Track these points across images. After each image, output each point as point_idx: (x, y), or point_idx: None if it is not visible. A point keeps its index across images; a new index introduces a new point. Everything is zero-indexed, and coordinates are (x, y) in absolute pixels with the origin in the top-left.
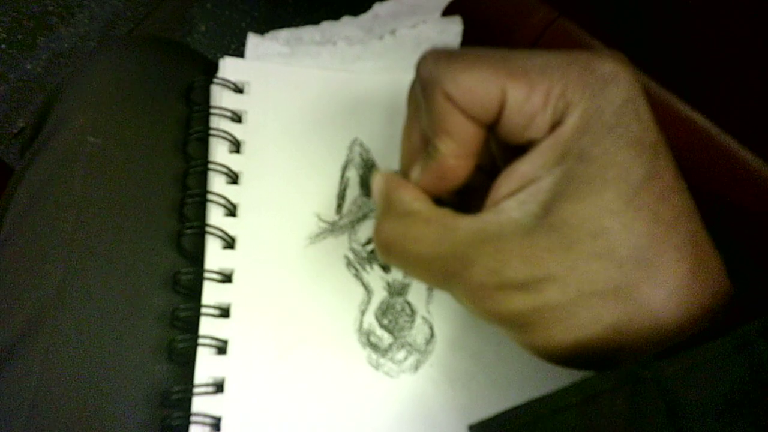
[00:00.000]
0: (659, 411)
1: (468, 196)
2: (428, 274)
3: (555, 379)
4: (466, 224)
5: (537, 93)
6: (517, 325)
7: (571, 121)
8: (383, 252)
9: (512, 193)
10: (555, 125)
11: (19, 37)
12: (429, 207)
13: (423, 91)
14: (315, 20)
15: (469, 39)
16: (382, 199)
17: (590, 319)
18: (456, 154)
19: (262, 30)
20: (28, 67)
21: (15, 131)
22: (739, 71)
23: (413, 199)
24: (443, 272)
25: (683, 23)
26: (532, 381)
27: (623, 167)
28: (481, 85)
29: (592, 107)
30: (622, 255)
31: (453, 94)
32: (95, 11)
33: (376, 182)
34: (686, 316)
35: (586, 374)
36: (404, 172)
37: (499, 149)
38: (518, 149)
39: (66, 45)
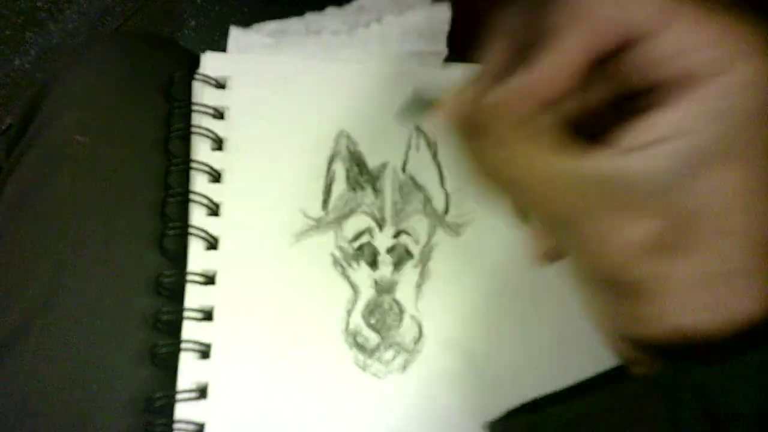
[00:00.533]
0: (697, 420)
1: None
2: (545, 210)
3: (546, 379)
4: (598, 162)
5: (712, 25)
6: (629, 290)
7: (742, 74)
8: (489, 172)
9: (654, 142)
10: (717, 73)
11: (8, 32)
12: (555, 129)
13: None
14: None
15: (457, 28)
16: (498, 111)
17: (709, 304)
18: (580, 49)
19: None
20: (17, 63)
21: (3, 128)
22: None
23: (547, 119)
24: (565, 212)
25: None
26: (523, 380)
27: None
28: None
29: None
30: (758, 239)
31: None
32: (84, 7)
33: (462, 96)
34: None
35: (591, 371)
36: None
37: (608, 92)
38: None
39: (55, 41)
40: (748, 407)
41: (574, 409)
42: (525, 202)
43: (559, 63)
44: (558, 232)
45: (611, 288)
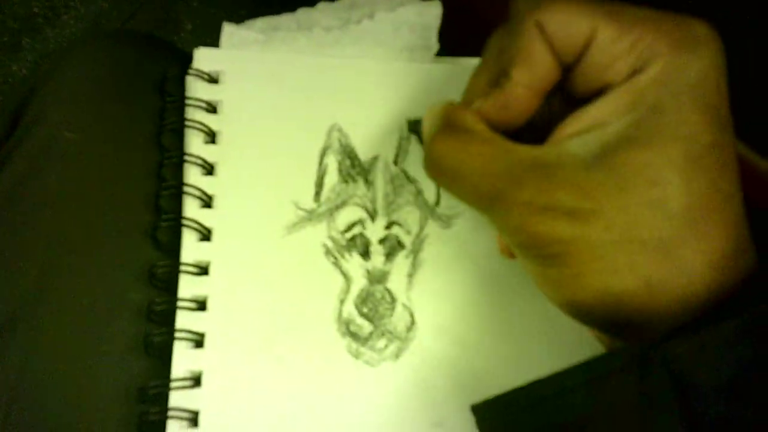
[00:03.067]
0: (668, 392)
1: None
2: (475, 192)
3: (539, 364)
4: (524, 149)
5: (626, 37)
6: (550, 254)
7: (652, 71)
8: (433, 167)
9: (577, 133)
10: (635, 72)
11: (5, 39)
12: (489, 130)
13: (514, 20)
14: None
15: (449, 23)
16: (441, 118)
17: (626, 265)
18: (526, 83)
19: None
20: (14, 68)
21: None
22: (739, 70)
23: (475, 121)
24: (490, 191)
25: None
26: (515, 367)
27: (695, 128)
28: (574, 18)
29: (677, 62)
30: (674, 209)
31: (545, 22)
32: (81, 12)
33: (435, 107)
34: (715, 294)
35: (581, 358)
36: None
37: (562, 107)
38: (583, 105)
39: (52, 46)
40: (714, 378)
41: (549, 384)
42: (465, 192)
43: (515, 93)
44: (490, 215)
45: (538, 259)
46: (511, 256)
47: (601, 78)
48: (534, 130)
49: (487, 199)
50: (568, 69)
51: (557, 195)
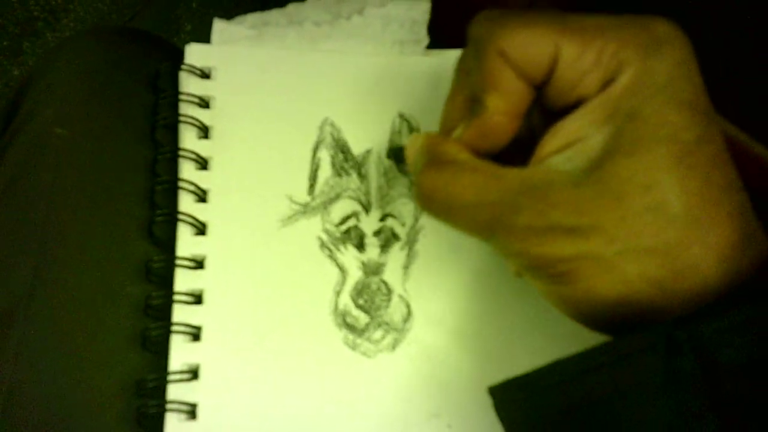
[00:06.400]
0: (695, 372)
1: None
2: (472, 223)
3: (535, 354)
4: (512, 173)
5: (590, 50)
6: (558, 273)
7: (623, 80)
8: (426, 203)
9: (559, 150)
10: (606, 84)
11: (5, 43)
12: (474, 158)
13: (475, 49)
14: None
15: (439, 18)
16: (423, 153)
17: (635, 273)
18: (503, 111)
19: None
20: (15, 73)
21: None
22: (740, 68)
23: (459, 151)
24: (488, 220)
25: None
26: (513, 357)
27: (675, 127)
28: (535, 40)
29: (645, 67)
30: (673, 211)
31: (506, 49)
32: (81, 15)
33: (415, 139)
34: (729, 284)
35: (578, 347)
36: (445, 134)
37: (542, 120)
38: (562, 116)
39: None
40: (740, 358)
41: (573, 364)
42: (462, 224)
43: (493, 121)
44: (492, 243)
45: (548, 279)
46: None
47: (574, 93)
48: (516, 145)
49: (486, 229)
50: (540, 87)
51: (554, 215)
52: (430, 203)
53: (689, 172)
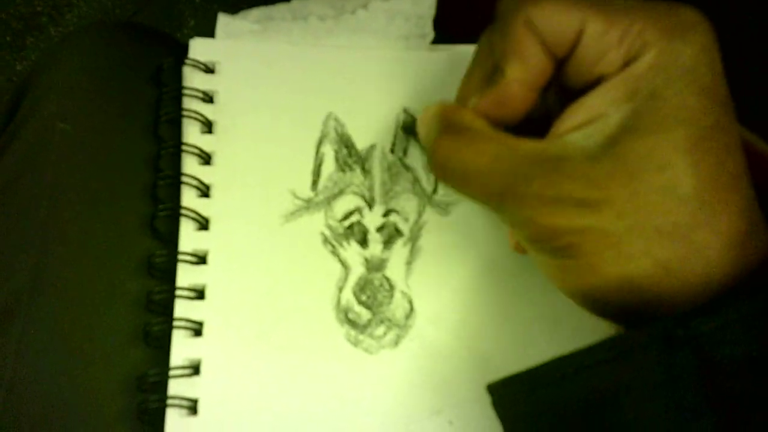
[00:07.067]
0: (693, 369)
1: None
2: (484, 190)
3: (538, 351)
4: (528, 144)
5: (616, 28)
6: (563, 245)
7: (647, 59)
8: (439, 170)
9: (578, 127)
10: (628, 62)
11: (8, 38)
12: (489, 126)
13: (502, 17)
14: None
15: (444, 12)
16: (439, 120)
17: (641, 251)
18: (522, 79)
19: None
20: (18, 68)
21: None
22: (741, 67)
23: (473, 119)
24: (499, 188)
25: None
26: (514, 353)
27: (694, 111)
28: (562, 13)
29: (669, 49)
30: (685, 192)
31: (533, 19)
32: (84, 10)
33: (429, 108)
34: (733, 275)
35: (581, 343)
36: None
37: (557, 102)
38: (578, 96)
39: None
40: (738, 355)
41: (572, 361)
42: (474, 191)
43: (510, 89)
44: (500, 211)
45: (552, 252)
46: (522, 251)
47: (595, 70)
48: (530, 124)
49: (497, 196)
50: (561, 63)
51: (566, 186)
52: (443, 170)
53: (704, 156)
